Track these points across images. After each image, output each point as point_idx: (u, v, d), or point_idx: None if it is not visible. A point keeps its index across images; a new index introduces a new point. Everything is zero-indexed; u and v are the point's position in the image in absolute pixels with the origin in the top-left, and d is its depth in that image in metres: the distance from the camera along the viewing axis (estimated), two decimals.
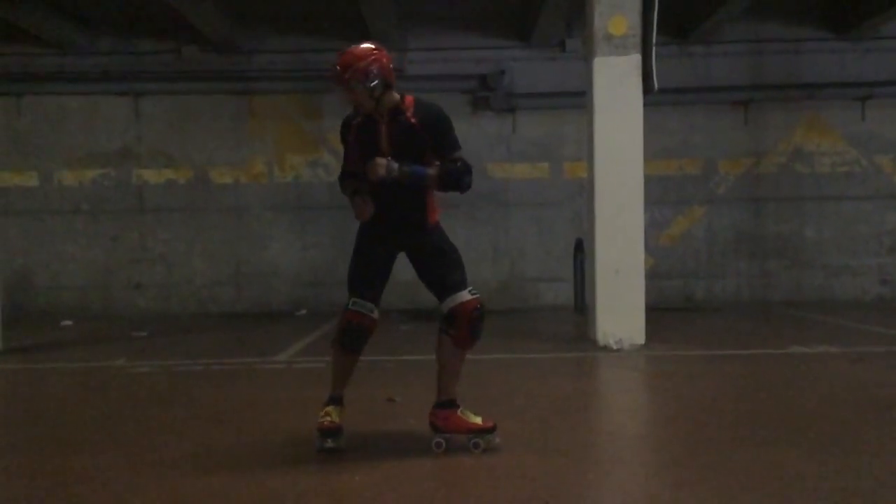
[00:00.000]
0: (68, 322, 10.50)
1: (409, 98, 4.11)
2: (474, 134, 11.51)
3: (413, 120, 4.04)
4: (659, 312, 9.45)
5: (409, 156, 4.00)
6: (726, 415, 4.90)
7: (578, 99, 8.67)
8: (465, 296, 4.06)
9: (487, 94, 11.72)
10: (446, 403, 4.11)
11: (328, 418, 4.08)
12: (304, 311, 11.45)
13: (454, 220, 11.13)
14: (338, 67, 4.00)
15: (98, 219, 11.85)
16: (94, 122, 11.81)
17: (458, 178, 4.07)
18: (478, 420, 4.10)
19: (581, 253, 9.80)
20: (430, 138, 4.04)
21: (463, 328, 4.05)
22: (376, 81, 3.96)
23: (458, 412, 4.10)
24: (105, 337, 9.31)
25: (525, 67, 11.79)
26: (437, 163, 4.06)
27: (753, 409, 5.06)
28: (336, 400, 4.14)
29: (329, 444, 4.05)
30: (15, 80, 11.63)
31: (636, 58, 7.62)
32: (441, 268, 4.10)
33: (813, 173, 11.94)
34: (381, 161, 3.95)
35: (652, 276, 10.14)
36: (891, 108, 11.79)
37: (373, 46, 4.06)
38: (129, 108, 11.80)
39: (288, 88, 11.77)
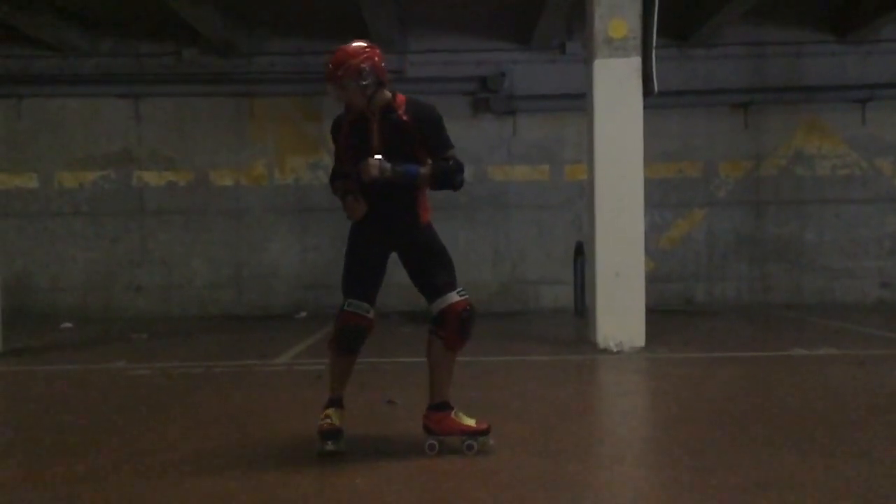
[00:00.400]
0: (68, 324, 10.49)
1: (401, 97, 4.11)
2: (474, 136, 11.51)
3: (405, 118, 4.03)
4: (659, 315, 9.46)
5: (400, 154, 3.99)
6: (727, 417, 4.89)
7: (579, 101, 8.67)
8: (454, 297, 4.06)
9: (488, 96, 11.72)
10: (440, 406, 4.10)
11: (328, 420, 4.07)
12: (304, 314, 11.44)
13: (454, 222, 11.15)
14: (330, 65, 4.00)
15: (98, 221, 11.84)
16: (94, 124, 11.81)
17: (450, 176, 4.07)
18: (471, 422, 4.08)
19: (581, 256, 9.79)
20: (422, 136, 4.03)
21: (452, 330, 4.05)
22: (369, 79, 3.96)
23: (452, 414, 4.09)
24: (105, 339, 9.29)
25: (525, 70, 11.79)
26: (430, 161, 4.05)
27: (754, 412, 5.05)
28: (336, 402, 4.13)
29: (329, 446, 4.03)
30: (15, 82, 11.63)
31: (636, 60, 7.61)
32: (432, 268, 4.09)
33: (813, 176, 11.93)
34: (374, 161, 3.94)
35: (652, 278, 10.14)
36: (891, 111, 11.78)
37: (365, 45, 4.06)
38: (129, 110, 11.80)
39: (288, 91, 11.77)
